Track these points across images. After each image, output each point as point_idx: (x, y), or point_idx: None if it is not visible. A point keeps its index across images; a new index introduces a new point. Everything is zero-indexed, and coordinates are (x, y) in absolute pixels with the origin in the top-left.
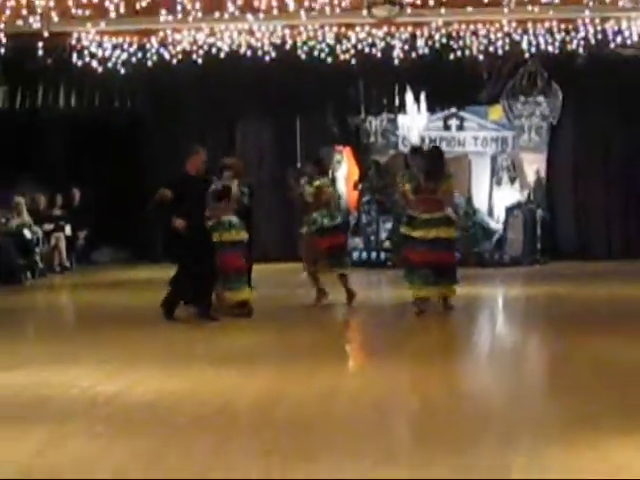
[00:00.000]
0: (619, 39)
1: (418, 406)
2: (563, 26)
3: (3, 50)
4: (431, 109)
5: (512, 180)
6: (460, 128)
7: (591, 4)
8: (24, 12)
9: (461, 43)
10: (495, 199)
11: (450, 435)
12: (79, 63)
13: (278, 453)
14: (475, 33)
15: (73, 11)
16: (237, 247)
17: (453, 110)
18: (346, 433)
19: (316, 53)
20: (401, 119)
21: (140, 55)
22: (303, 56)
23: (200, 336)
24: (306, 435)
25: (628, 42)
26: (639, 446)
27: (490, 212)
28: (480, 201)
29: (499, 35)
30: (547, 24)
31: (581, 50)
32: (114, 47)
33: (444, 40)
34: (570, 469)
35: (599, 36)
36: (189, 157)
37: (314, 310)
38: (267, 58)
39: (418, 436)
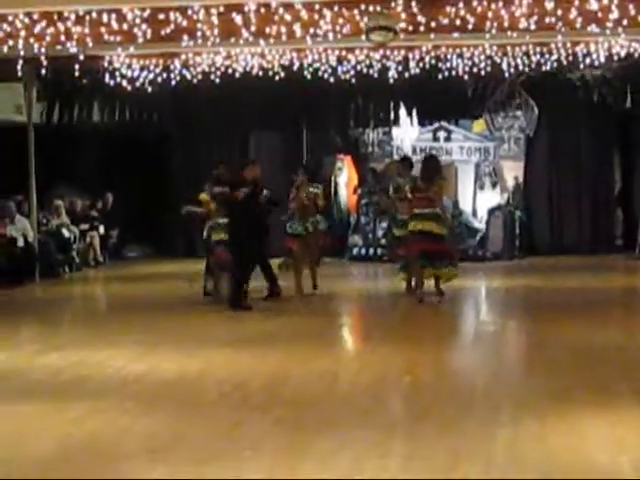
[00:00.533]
0: (588, 60)
1: (411, 384)
2: (539, 49)
3: (43, 71)
4: (422, 122)
5: (493, 185)
6: (447, 139)
7: (563, 29)
8: (62, 38)
9: (448, 64)
10: (478, 202)
11: (441, 410)
12: (111, 83)
13: (287, 426)
14: (461, 55)
15: (105, 37)
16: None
17: (442, 123)
18: (347, 409)
19: (320, 73)
20: (395, 131)
21: (165, 75)
22: (309, 76)
23: (216, 322)
24: (311, 411)
25: (596, 63)
26: (607, 418)
27: (474, 213)
28: (465, 203)
29: (482, 57)
30: (524, 47)
31: (554, 70)
32: (142, 68)
33: (433, 62)
34: (546, 439)
35: (570, 58)
36: (246, 167)
37: (317, 300)
38: (277, 78)
39: (412, 411)
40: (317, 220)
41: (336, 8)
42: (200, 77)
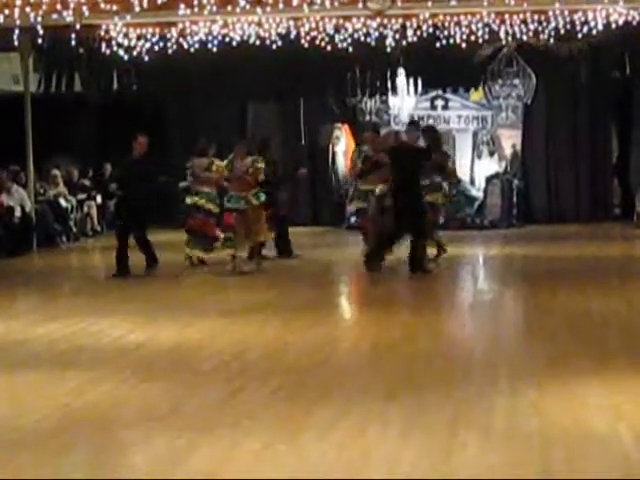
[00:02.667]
0: (586, 29)
1: (410, 351)
2: (536, 17)
3: (40, 40)
4: (419, 91)
5: (491, 153)
6: (445, 108)
7: None
8: (58, 7)
9: (446, 33)
10: (476, 170)
11: (439, 378)
12: (107, 52)
13: (285, 396)
14: (458, 24)
15: (102, 6)
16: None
17: (439, 92)
18: (346, 378)
19: (317, 42)
20: (392, 100)
21: (161, 44)
22: (306, 45)
23: (214, 292)
24: (310, 380)
25: (593, 32)
26: (605, 385)
27: (472, 181)
28: (463, 172)
29: (479, 25)
30: (522, 15)
31: (552, 39)
32: (138, 37)
33: (431, 30)
34: (544, 406)
35: (568, 26)
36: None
37: (314, 269)
38: (274, 47)
39: (411, 379)
40: (257, 193)
41: None
42: (197, 46)
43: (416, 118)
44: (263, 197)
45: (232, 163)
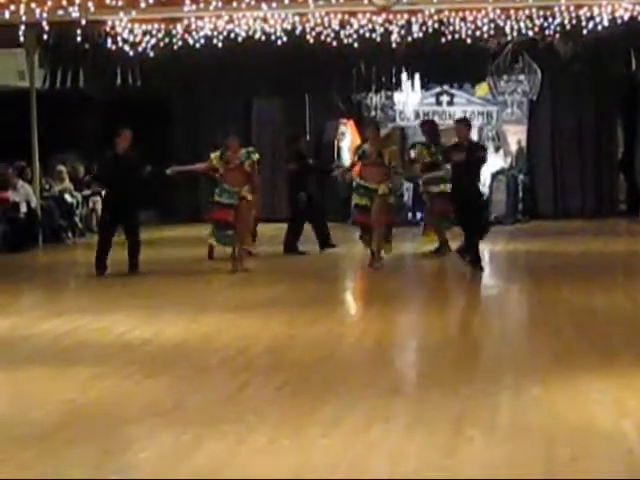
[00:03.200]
0: (591, 25)
1: (415, 346)
2: (542, 13)
3: (45, 36)
4: (424, 87)
5: (497, 149)
6: (450, 103)
7: None
8: (64, 3)
9: (451, 28)
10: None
11: (444, 373)
12: (113, 47)
13: (290, 391)
14: (464, 19)
15: (107, 1)
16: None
17: (444, 87)
18: (351, 373)
19: (323, 38)
20: (398, 96)
21: (167, 40)
22: (311, 40)
23: (219, 287)
24: (315, 375)
25: (599, 27)
26: (610, 381)
27: None
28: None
29: (485, 21)
30: (527, 11)
31: (557, 34)
32: (144, 33)
33: (436, 26)
34: (549, 402)
35: (574, 22)
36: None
37: (319, 265)
38: (279, 42)
39: (416, 374)
40: (250, 188)
41: None
42: (202, 42)
43: (421, 114)
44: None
45: (224, 156)
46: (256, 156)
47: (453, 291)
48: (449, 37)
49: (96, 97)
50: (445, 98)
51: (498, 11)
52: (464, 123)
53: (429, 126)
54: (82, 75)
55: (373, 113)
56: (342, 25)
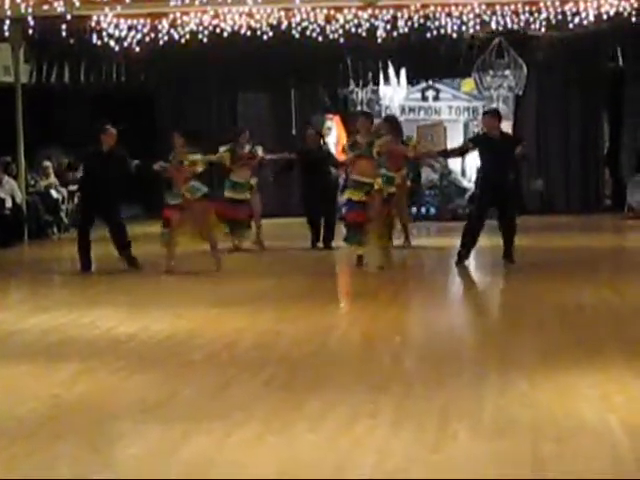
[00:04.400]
0: (577, 20)
1: (401, 344)
2: (527, 8)
3: (30, 31)
4: (410, 82)
5: None
6: (436, 98)
7: None
8: None
9: (437, 23)
10: (467, 161)
11: (430, 369)
12: (98, 42)
13: (277, 386)
14: (449, 14)
15: None
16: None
17: (430, 82)
18: (338, 368)
19: (308, 33)
20: (384, 90)
21: (152, 35)
22: (297, 35)
23: (206, 282)
24: (302, 371)
25: (584, 22)
26: (596, 377)
27: (463, 172)
28: (454, 163)
29: (471, 16)
30: (513, 6)
31: (543, 29)
32: (129, 28)
33: (422, 21)
34: (534, 398)
35: (559, 17)
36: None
37: (307, 260)
38: (265, 37)
39: (402, 370)
40: (194, 187)
41: None
42: (188, 37)
43: (407, 109)
44: (200, 191)
45: (236, 151)
46: (260, 151)
47: (440, 287)
48: (435, 32)
49: (81, 92)
50: (431, 93)
51: (484, 6)
52: (494, 114)
53: (390, 123)
54: (67, 70)
55: (359, 108)
56: (328, 20)
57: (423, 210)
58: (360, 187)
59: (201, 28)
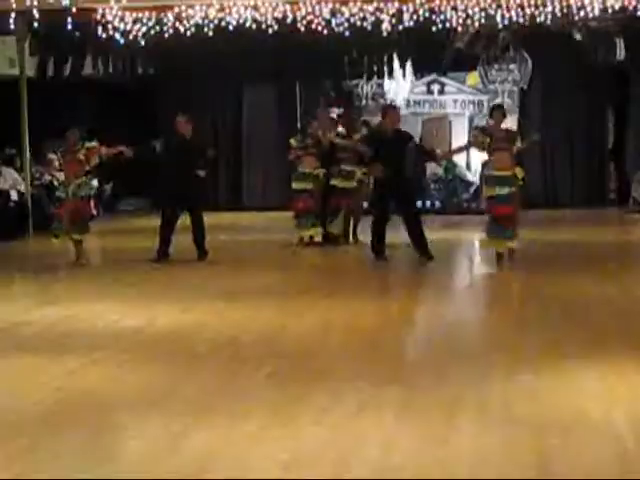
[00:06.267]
0: (582, 13)
1: (406, 335)
2: (533, 1)
3: (36, 25)
4: (416, 75)
5: None
6: (441, 92)
7: None
8: None
9: (442, 17)
10: (472, 155)
11: (435, 362)
12: (103, 35)
13: (281, 380)
14: (455, 8)
15: None
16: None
17: (435, 76)
18: (342, 361)
19: (314, 26)
20: (389, 84)
21: (158, 28)
22: (302, 29)
23: (210, 276)
24: (305, 364)
25: (590, 16)
26: (600, 370)
27: (468, 166)
28: (459, 157)
29: (476, 10)
30: (518, 0)
31: (548, 23)
32: (134, 21)
33: (427, 14)
34: (539, 391)
35: (565, 10)
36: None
37: (311, 255)
38: (270, 31)
39: (407, 363)
40: (83, 183)
41: None
42: (193, 30)
43: (412, 103)
44: (89, 189)
45: (304, 142)
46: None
47: (445, 280)
48: (440, 26)
49: (87, 85)
50: (436, 87)
51: (489, 0)
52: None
53: (345, 118)
54: (72, 63)
55: (364, 102)
56: (333, 14)
57: (428, 203)
58: (302, 177)
59: (206, 21)
